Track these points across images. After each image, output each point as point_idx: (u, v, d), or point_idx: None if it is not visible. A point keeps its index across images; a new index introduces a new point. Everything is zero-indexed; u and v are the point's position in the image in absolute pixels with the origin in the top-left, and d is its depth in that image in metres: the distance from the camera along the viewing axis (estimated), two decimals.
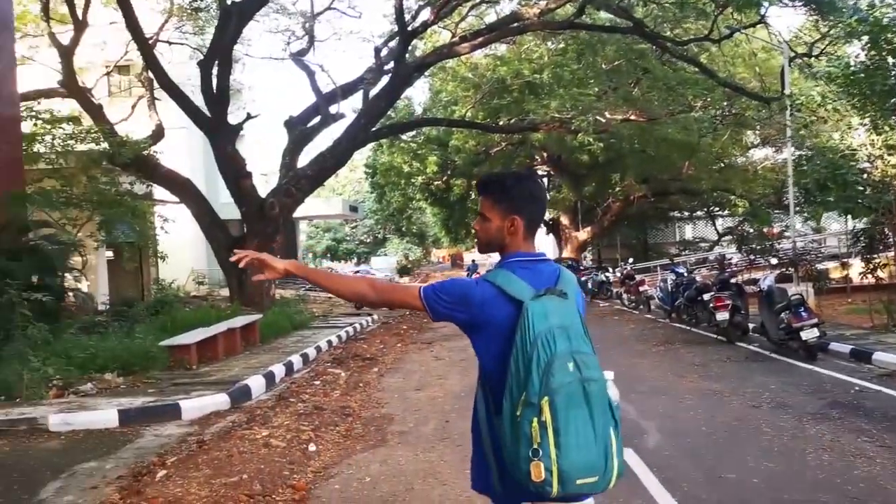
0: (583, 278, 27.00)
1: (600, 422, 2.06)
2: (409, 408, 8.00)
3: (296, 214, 33.79)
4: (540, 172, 37.13)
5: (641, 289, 18.63)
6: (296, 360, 11.36)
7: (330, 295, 23.71)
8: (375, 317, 20.42)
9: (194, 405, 7.95)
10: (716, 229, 36.64)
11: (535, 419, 1.99)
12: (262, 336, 14.15)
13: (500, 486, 2.19)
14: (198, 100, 19.19)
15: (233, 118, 20.85)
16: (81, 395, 8.76)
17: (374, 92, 20.03)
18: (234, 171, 18.88)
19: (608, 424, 2.09)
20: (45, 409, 7.68)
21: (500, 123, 24.53)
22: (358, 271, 42.62)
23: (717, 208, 34.90)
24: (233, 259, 2.49)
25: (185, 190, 19.98)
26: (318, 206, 33.76)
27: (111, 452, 6.39)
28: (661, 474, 5.22)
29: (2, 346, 10.19)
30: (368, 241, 55.41)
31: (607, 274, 24.60)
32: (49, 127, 19.25)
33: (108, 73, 24.84)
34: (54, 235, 13.87)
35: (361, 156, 41.02)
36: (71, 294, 14.12)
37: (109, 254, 23.43)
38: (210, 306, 19.38)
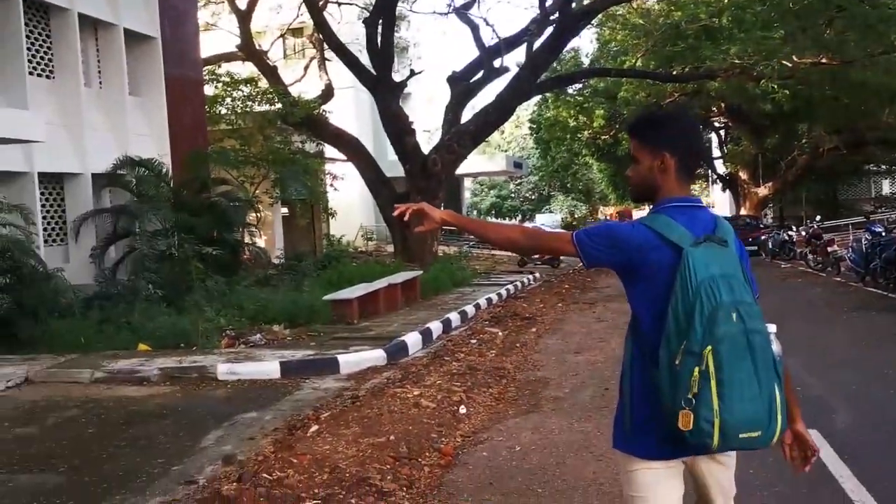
0: (762, 237, 25.17)
1: (764, 375, 1.98)
2: (566, 372, 7.64)
3: (459, 171, 33.89)
4: (716, 124, 34.92)
5: (830, 249, 16.96)
6: (454, 317, 11.29)
7: (493, 252, 23.86)
8: (537, 275, 20.06)
9: (352, 360, 8.03)
10: None
11: (697, 368, 1.94)
12: (423, 292, 14.24)
13: (652, 441, 2.12)
14: (365, 59, 19.48)
15: (399, 77, 21.07)
16: (250, 346, 9.14)
17: (538, 43, 19.42)
18: (398, 129, 19.04)
19: (772, 378, 2.00)
20: (215, 358, 8.05)
21: (674, 72, 22.98)
22: None
23: None
24: (395, 214, 2.51)
25: (352, 148, 20.47)
26: (481, 162, 33.63)
27: (271, 404, 6.56)
28: (855, 465, 4.55)
29: (182, 296, 10.88)
30: (533, 198, 54.79)
31: (790, 233, 22.68)
32: (229, 89, 20.37)
33: (282, 36, 25.81)
34: (231, 192, 14.58)
35: (527, 111, 40.40)
36: (247, 249, 14.82)
37: (285, 210, 24.64)
38: (375, 262, 19.92)
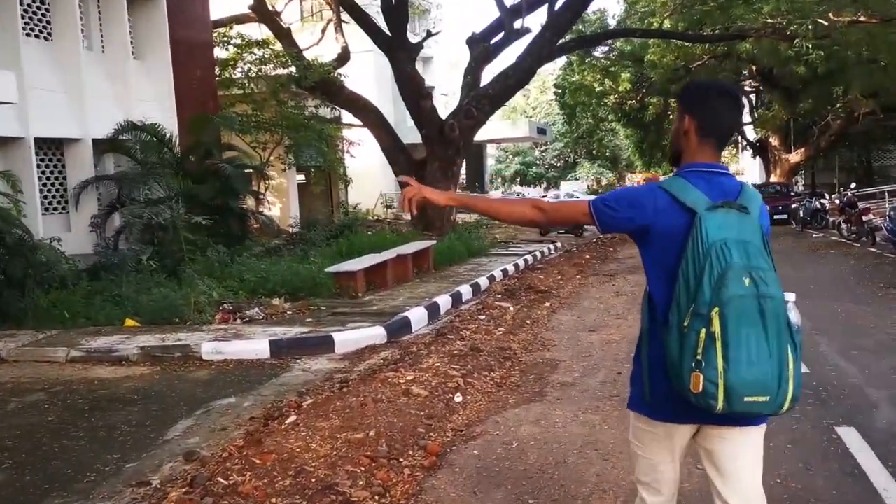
0: (793, 205, 24.20)
1: (775, 341, 1.97)
2: (578, 353, 7.05)
3: (481, 137, 33.17)
4: (747, 88, 33.63)
5: (865, 218, 16.05)
6: (465, 290, 10.70)
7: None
8: (558, 244, 19.39)
9: (349, 338, 7.50)
10: None
11: (704, 330, 1.96)
12: (437, 263, 13.67)
13: (665, 404, 2.16)
14: (383, 24, 18.74)
15: (418, 39, 20.30)
16: (245, 321, 8.65)
17: (560, 3, 18.52)
18: (413, 92, 18.34)
19: (784, 344, 1.99)
20: (202, 335, 7.56)
21: (703, 33, 21.88)
22: (545, 196, 41.53)
23: None
24: (403, 192, 2.48)
25: (366, 112, 19.80)
26: (504, 128, 32.82)
27: (253, 388, 6.05)
28: (890, 459, 3.93)
29: (180, 268, 10.41)
30: (558, 165, 53.71)
31: (822, 201, 21.71)
32: (241, 52, 19.75)
33: None
34: (237, 159, 14.03)
35: (552, 76, 39.34)
36: (254, 217, 14.31)
37: (300, 177, 24.13)
38: (390, 231, 19.37)
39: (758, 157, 39.46)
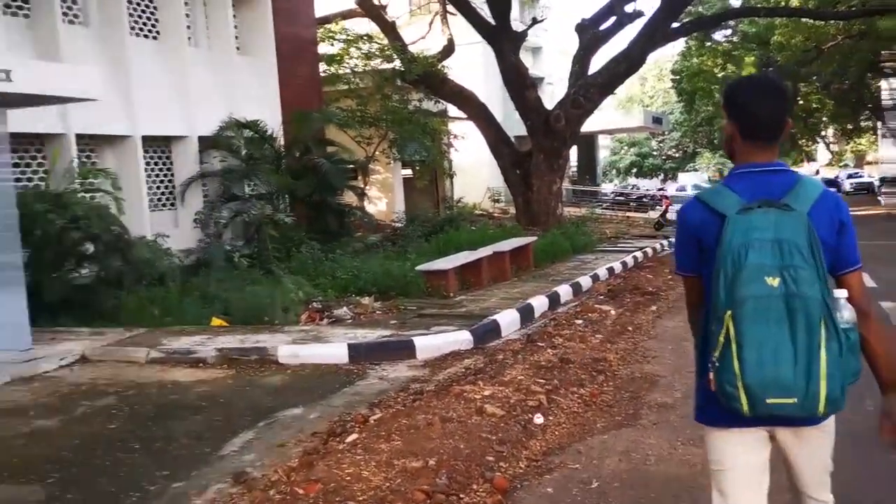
0: None
1: (803, 339, 1.91)
2: (682, 366, 6.29)
3: (593, 128, 32.03)
4: (887, 70, 30.93)
5: None
6: (563, 290, 10.06)
7: (627, 213, 22.40)
8: (672, 239, 18.32)
9: (431, 343, 7.05)
10: None
11: (721, 332, 1.97)
12: (538, 260, 13.06)
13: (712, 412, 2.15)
14: (487, 12, 18.24)
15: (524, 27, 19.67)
16: (332, 321, 8.38)
17: None
18: (518, 82, 17.75)
19: (816, 343, 1.91)
20: (283, 337, 7.31)
21: (839, 8, 20.07)
22: (662, 189, 39.81)
23: None
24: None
25: (470, 104, 19.34)
26: (617, 118, 31.62)
27: (324, 397, 5.70)
28: None
29: (274, 265, 10.32)
30: (677, 155, 51.45)
31: None
32: (347, 47, 19.73)
33: None
34: (335, 154, 13.90)
35: (671, 61, 37.61)
36: (353, 212, 14.15)
37: (407, 172, 24.02)
38: (495, 225, 18.87)
39: None
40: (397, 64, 19.46)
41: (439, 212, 24.59)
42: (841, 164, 54.29)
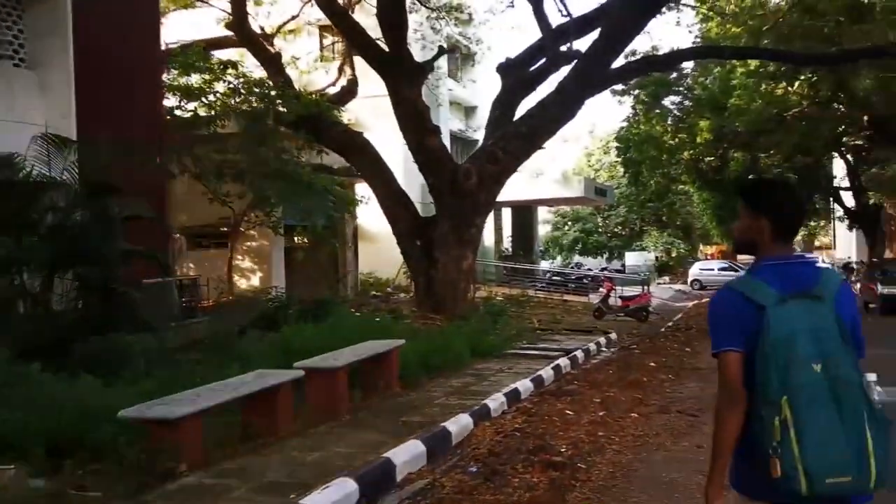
0: None
1: (851, 422, 2.05)
2: None
3: (529, 197, 28.25)
4: (851, 143, 28.01)
5: None
6: (404, 454, 5.57)
7: (565, 297, 18.26)
8: (613, 336, 14.18)
9: None
10: None
11: (777, 417, 2.05)
12: (410, 373, 8.67)
13: (761, 487, 2.17)
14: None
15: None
16: None
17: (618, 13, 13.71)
18: (415, 125, 13.69)
19: (862, 424, 2.07)
20: None
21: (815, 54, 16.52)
22: (606, 268, 36.01)
23: None
24: None
25: (362, 154, 15.14)
26: (555, 188, 27.80)
27: None
28: None
29: None
30: (623, 233, 48.05)
31: None
32: (208, 78, 15.52)
33: (287, 29, 20.55)
34: (117, 204, 9.33)
35: (616, 128, 34.34)
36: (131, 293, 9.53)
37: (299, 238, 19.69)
38: (390, 311, 14.52)
39: (856, 230, 33.36)
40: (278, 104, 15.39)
41: (338, 288, 20.18)
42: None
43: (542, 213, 41.22)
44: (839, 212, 35.23)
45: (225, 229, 16.52)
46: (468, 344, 10.80)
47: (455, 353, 10.06)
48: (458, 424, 6.61)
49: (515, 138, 14.03)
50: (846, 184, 31.40)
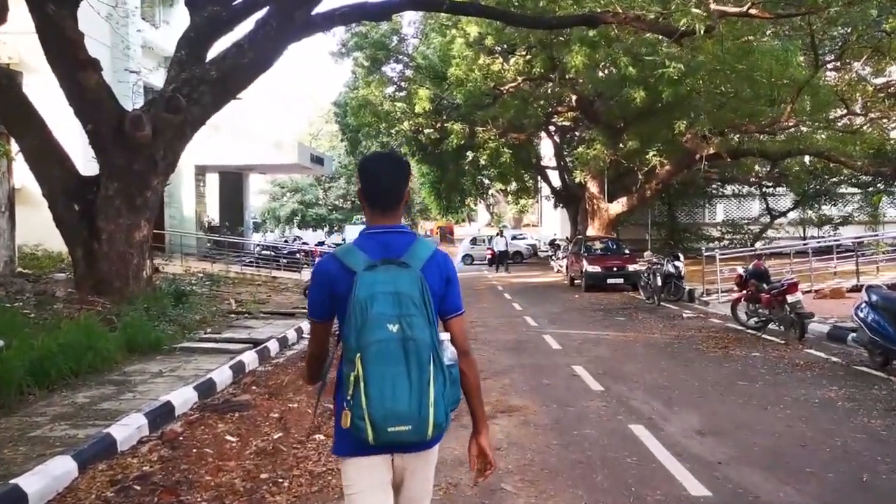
0: (631, 267, 19.17)
1: (416, 376, 2.17)
2: None
3: (238, 162, 25.49)
4: (559, 123, 29.02)
5: (792, 299, 10.38)
6: None
7: (276, 274, 15.60)
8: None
9: None
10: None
11: (352, 374, 2.17)
12: (12, 387, 6.07)
13: (344, 444, 2.33)
14: None
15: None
16: None
17: None
18: (65, 55, 10.67)
19: (426, 378, 2.19)
20: None
21: (542, 17, 15.84)
22: (323, 242, 34.31)
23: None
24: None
25: (2, 95, 11.56)
26: (267, 152, 25.31)
27: None
28: None
29: None
30: (344, 206, 46.70)
31: (677, 263, 16.54)
32: None
33: None
34: None
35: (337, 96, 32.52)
36: None
37: None
38: (37, 293, 11.41)
39: (561, 209, 35.11)
40: None
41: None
42: (500, 224, 53.80)
43: (259, 181, 38.37)
44: (546, 191, 36.87)
45: None
46: (124, 337, 8.33)
47: (98, 351, 7.55)
48: (48, 476, 4.31)
49: (204, 83, 11.56)
50: (554, 163, 32.71)
